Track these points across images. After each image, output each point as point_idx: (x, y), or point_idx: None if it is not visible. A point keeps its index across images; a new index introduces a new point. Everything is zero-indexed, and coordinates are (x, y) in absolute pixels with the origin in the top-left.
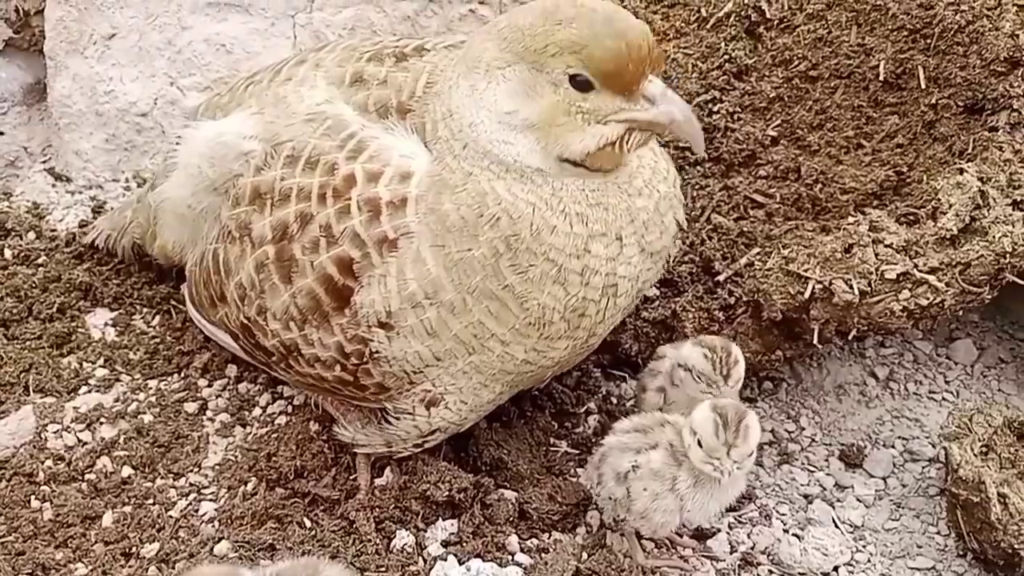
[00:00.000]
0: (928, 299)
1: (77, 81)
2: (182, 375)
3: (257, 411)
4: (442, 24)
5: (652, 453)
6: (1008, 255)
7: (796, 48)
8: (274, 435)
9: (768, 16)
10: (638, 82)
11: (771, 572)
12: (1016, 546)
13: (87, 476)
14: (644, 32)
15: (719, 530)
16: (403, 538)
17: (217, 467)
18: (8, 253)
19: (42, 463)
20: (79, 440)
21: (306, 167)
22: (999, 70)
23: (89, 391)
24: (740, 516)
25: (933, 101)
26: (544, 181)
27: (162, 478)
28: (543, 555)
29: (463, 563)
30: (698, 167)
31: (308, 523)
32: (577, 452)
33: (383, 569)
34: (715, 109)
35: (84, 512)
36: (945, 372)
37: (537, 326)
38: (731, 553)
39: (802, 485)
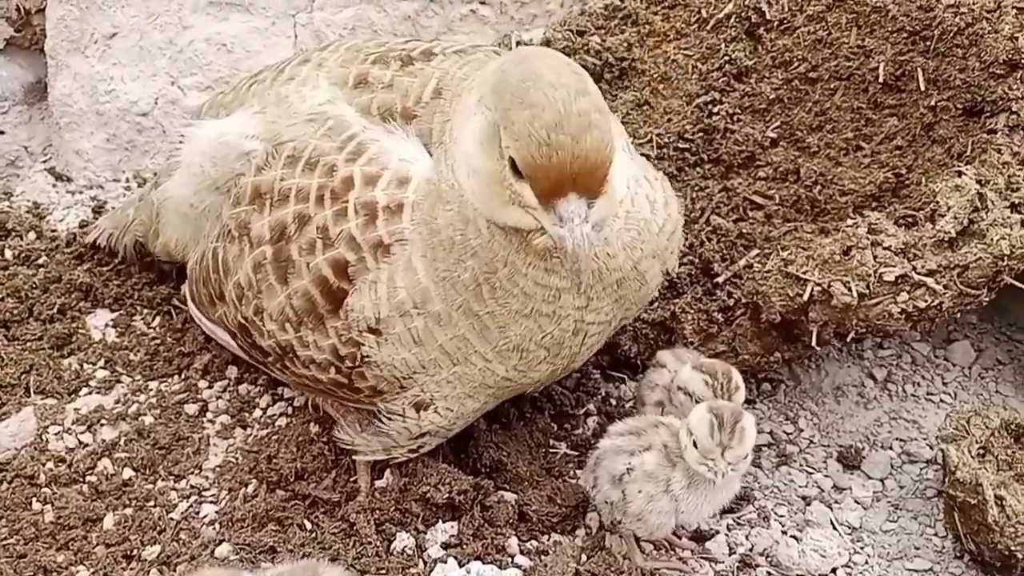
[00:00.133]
0: (926, 301)
1: (78, 80)
2: (182, 376)
3: (257, 412)
4: (443, 24)
5: (646, 455)
6: (1006, 257)
7: (796, 50)
8: (274, 437)
9: (768, 18)
10: (554, 197)
11: (769, 574)
12: (1013, 548)
13: (88, 478)
14: (581, 152)
15: (718, 532)
16: (403, 540)
17: (218, 469)
18: (8, 253)
19: (43, 465)
20: (80, 442)
21: (306, 168)
22: (998, 72)
23: (90, 392)
24: (739, 518)
25: (932, 103)
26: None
27: (163, 480)
28: (543, 557)
29: (463, 565)
30: (698, 168)
31: (309, 525)
32: (576, 454)
33: (383, 571)
34: (715, 110)
35: (85, 514)
36: (943, 374)
37: (517, 351)
38: (730, 555)
39: (800, 487)
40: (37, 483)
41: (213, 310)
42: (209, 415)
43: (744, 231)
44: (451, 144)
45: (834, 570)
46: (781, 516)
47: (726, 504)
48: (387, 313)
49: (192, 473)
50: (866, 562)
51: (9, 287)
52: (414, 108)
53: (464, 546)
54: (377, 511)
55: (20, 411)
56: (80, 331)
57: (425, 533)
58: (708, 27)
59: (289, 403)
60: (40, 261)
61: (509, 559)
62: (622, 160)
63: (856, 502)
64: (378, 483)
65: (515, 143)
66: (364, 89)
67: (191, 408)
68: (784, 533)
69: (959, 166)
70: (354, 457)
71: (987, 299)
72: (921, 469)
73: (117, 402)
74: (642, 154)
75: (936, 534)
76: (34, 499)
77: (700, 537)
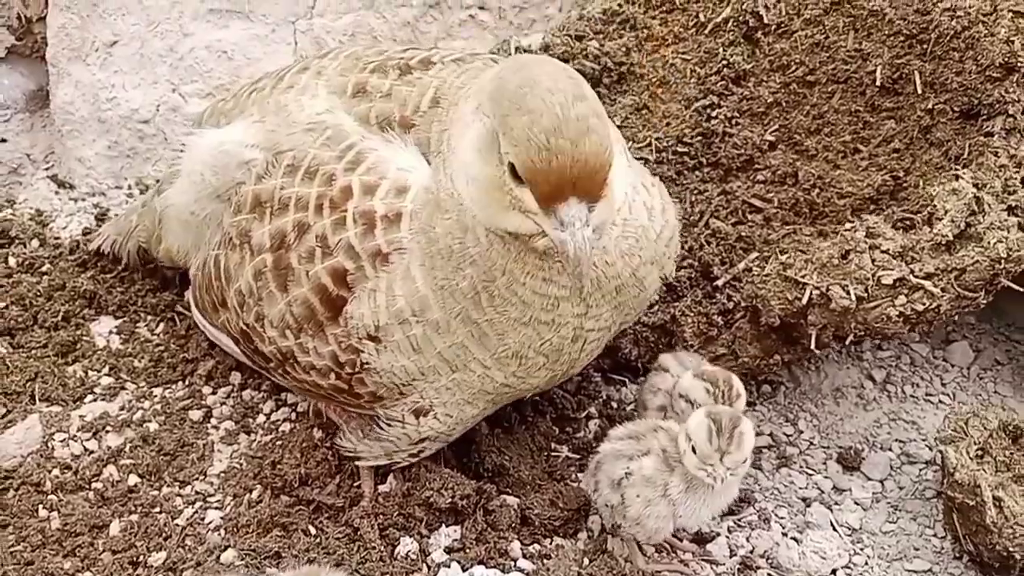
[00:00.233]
0: (924, 304)
1: (79, 88)
2: (186, 383)
3: (261, 418)
4: (442, 30)
5: (644, 460)
6: (1003, 260)
7: (794, 53)
8: (278, 443)
9: (766, 21)
10: (554, 201)
11: (770, 575)
12: (1011, 549)
13: (94, 485)
14: (580, 156)
15: (718, 534)
16: (407, 545)
17: (222, 475)
18: (12, 261)
19: (49, 472)
20: (85, 449)
21: (305, 177)
22: (994, 76)
23: (95, 399)
24: (739, 520)
25: (929, 106)
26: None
27: (168, 486)
28: (545, 561)
29: (466, 569)
30: (696, 172)
31: (313, 531)
32: (578, 457)
33: None
34: (713, 114)
35: (92, 521)
36: (942, 375)
37: (516, 358)
38: (731, 557)
39: (800, 488)
40: (43, 490)
41: (216, 316)
42: (213, 421)
43: (743, 234)
44: (449, 153)
45: (834, 571)
46: (781, 518)
47: (724, 508)
48: (386, 321)
49: (197, 479)
50: (866, 563)
51: (13, 295)
52: (412, 117)
53: (467, 550)
54: (381, 516)
55: (26, 418)
56: (84, 338)
57: (428, 537)
58: (706, 31)
59: (292, 409)
60: (44, 268)
61: (512, 563)
62: (620, 165)
63: (856, 503)
64: (381, 488)
65: (514, 148)
66: (363, 98)
67: (195, 414)
68: (784, 535)
69: (956, 169)
70: (357, 463)
71: (985, 302)
72: (920, 470)
73: (122, 409)
74: (641, 158)
75: (935, 535)
76: (40, 506)
77: (701, 539)
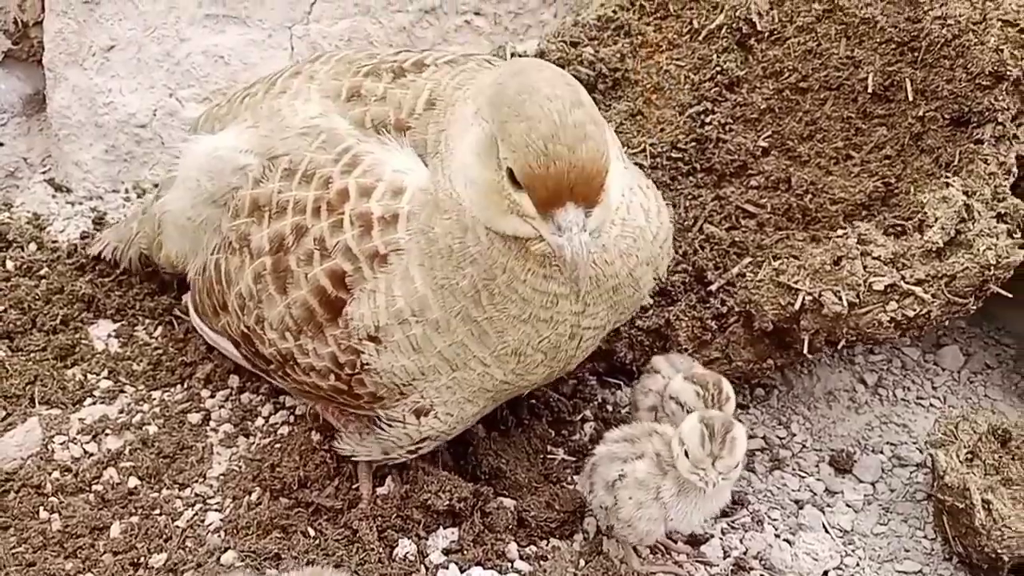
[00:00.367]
0: (915, 310)
1: (76, 92)
2: (185, 386)
3: (260, 421)
4: (438, 35)
5: (638, 463)
6: (992, 267)
7: (787, 60)
8: (277, 445)
9: (759, 29)
10: (552, 206)
11: None
12: (999, 551)
13: (94, 487)
14: (578, 162)
15: (712, 536)
16: (405, 546)
17: (222, 477)
18: (10, 264)
19: (49, 474)
20: (85, 451)
21: (302, 180)
22: (984, 84)
23: (94, 402)
24: (733, 522)
25: (920, 113)
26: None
27: (168, 488)
28: (542, 562)
29: (464, 571)
30: (690, 177)
31: (312, 532)
32: (574, 459)
33: None
34: (707, 120)
35: (92, 523)
36: (933, 378)
37: (515, 356)
38: (724, 558)
39: (793, 491)
40: (44, 492)
41: (216, 320)
42: (212, 424)
43: (737, 239)
44: (447, 154)
45: (826, 572)
46: (774, 520)
47: (716, 512)
48: (386, 321)
49: (196, 481)
50: (857, 564)
51: (12, 298)
52: (408, 120)
53: (465, 552)
54: (379, 518)
55: (25, 421)
56: (83, 342)
57: (426, 539)
58: (700, 38)
59: (291, 412)
60: (42, 272)
61: (509, 564)
62: (617, 169)
63: (848, 505)
64: (380, 490)
65: (513, 154)
66: (357, 102)
67: (194, 417)
68: (777, 536)
69: (947, 176)
70: (353, 458)
71: (974, 307)
72: (911, 473)
73: (121, 412)
74: (636, 163)
75: (926, 537)
76: (41, 508)
77: (695, 541)
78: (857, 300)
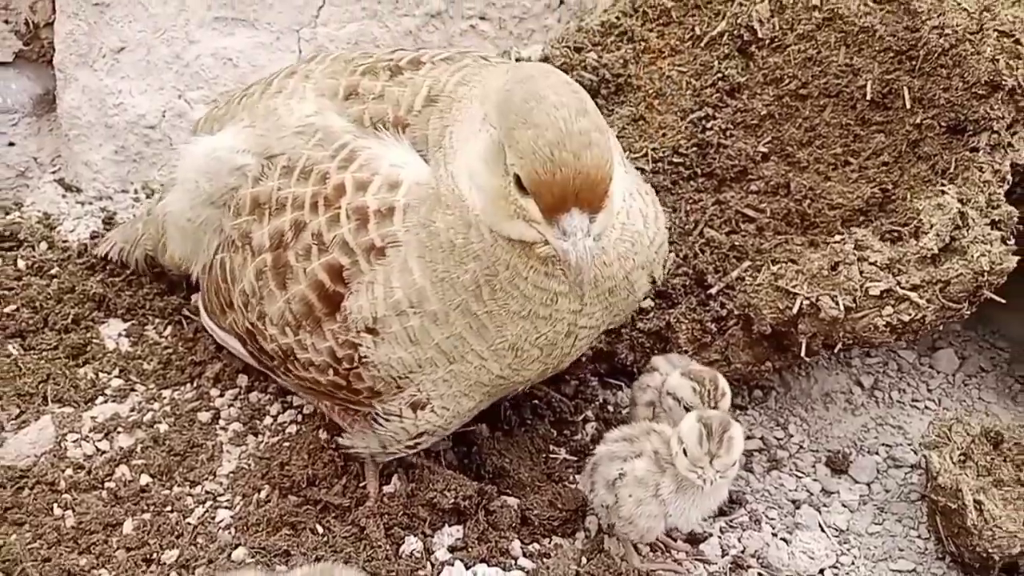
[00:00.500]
0: (910, 315)
1: (86, 93)
2: (195, 385)
3: (268, 420)
4: (443, 39)
5: (637, 461)
6: (986, 273)
7: (787, 67)
8: (285, 444)
9: (760, 36)
10: (557, 212)
11: (760, 575)
12: (990, 550)
13: (107, 484)
14: (583, 169)
15: (711, 534)
16: (412, 544)
17: (231, 475)
18: (21, 263)
19: (63, 472)
20: (98, 449)
21: (300, 177)
22: (980, 93)
23: (105, 401)
24: (731, 521)
25: (918, 121)
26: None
27: (179, 486)
28: (545, 559)
29: (469, 567)
30: (691, 182)
31: (320, 529)
32: (575, 459)
33: (393, 574)
34: (708, 126)
35: (105, 519)
36: (928, 381)
37: (512, 350)
38: (722, 556)
39: (790, 491)
40: (58, 489)
41: (224, 318)
42: (222, 423)
43: (736, 243)
44: (451, 151)
45: (822, 571)
46: (772, 519)
47: (714, 509)
48: (384, 313)
49: (207, 479)
50: (852, 563)
51: (24, 297)
52: (406, 117)
53: (470, 549)
54: (386, 516)
55: (39, 419)
56: (94, 341)
57: (432, 537)
58: (702, 44)
59: (299, 411)
60: (53, 272)
61: (513, 561)
62: (619, 174)
63: (843, 505)
64: (386, 489)
65: (520, 160)
66: (355, 100)
67: (204, 416)
68: (774, 535)
69: (942, 183)
70: (353, 452)
71: (968, 312)
72: (906, 474)
73: (132, 410)
74: (638, 167)
75: (919, 536)
76: (55, 505)
77: (694, 539)
78: (854, 305)
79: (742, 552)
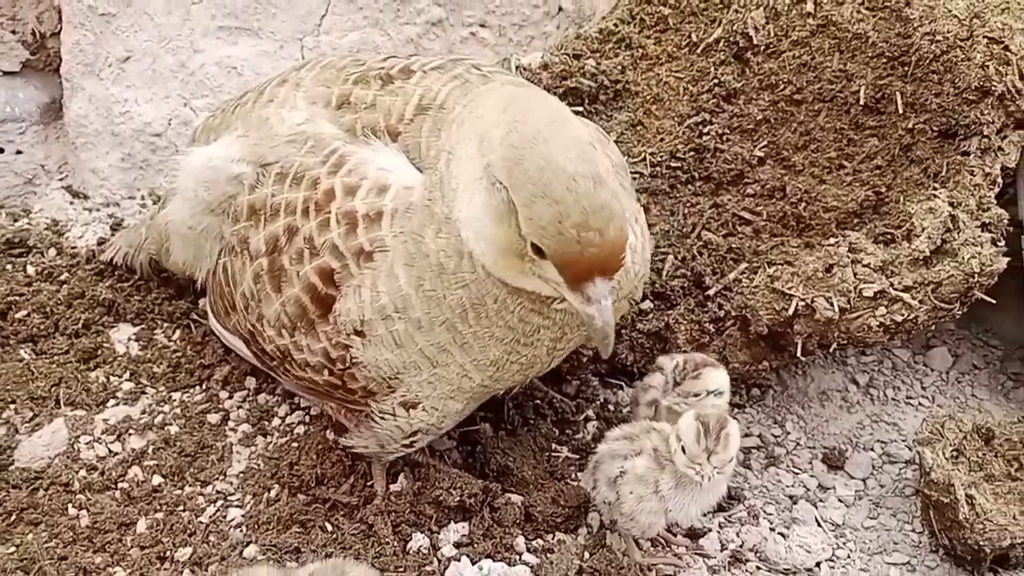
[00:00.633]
0: (903, 315)
1: (93, 102)
2: (204, 387)
3: (276, 421)
4: (444, 47)
5: (637, 459)
6: (977, 275)
7: (782, 73)
8: (294, 444)
9: (755, 42)
10: (583, 281)
11: (758, 568)
12: (981, 543)
13: (120, 485)
14: (607, 244)
15: (710, 529)
16: (418, 540)
17: (241, 475)
18: (31, 269)
19: (76, 473)
20: (110, 451)
21: (293, 183)
22: (971, 98)
23: (117, 404)
24: (730, 516)
25: (910, 125)
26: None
27: (190, 486)
28: (548, 555)
29: (475, 563)
30: (689, 186)
31: (330, 527)
32: (577, 457)
33: (401, 569)
34: (705, 131)
35: (119, 519)
36: (922, 378)
37: (493, 366)
38: (721, 551)
39: (787, 486)
40: (72, 490)
41: (228, 320)
42: (231, 424)
43: (733, 245)
44: (449, 176)
45: (818, 564)
46: (769, 514)
47: (713, 504)
48: (370, 316)
49: (217, 479)
50: (848, 556)
51: (34, 303)
52: (398, 126)
53: (475, 545)
54: (393, 513)
55: (52, 422)
56: (105, 345)
57: (438, 533)
58: (698, 51)
59: (306, 412)
60: (62, 277)
61: (517, 557)
62: (629, 208)
63: (839, 500)
64: (393, 487)
65: (541, 233)
66: (348, 110)
67: (213, 417)
68: (772, 530)
69: (934, 186)
70: (354, 450)
71: (959, 312)
72: (900, 469)
73: (143, 412)
74: (636, 172)
75: (914, 530)
76: (70, 505)
77: (694, 534)
78: (848, 306)
79: (740, 546)
